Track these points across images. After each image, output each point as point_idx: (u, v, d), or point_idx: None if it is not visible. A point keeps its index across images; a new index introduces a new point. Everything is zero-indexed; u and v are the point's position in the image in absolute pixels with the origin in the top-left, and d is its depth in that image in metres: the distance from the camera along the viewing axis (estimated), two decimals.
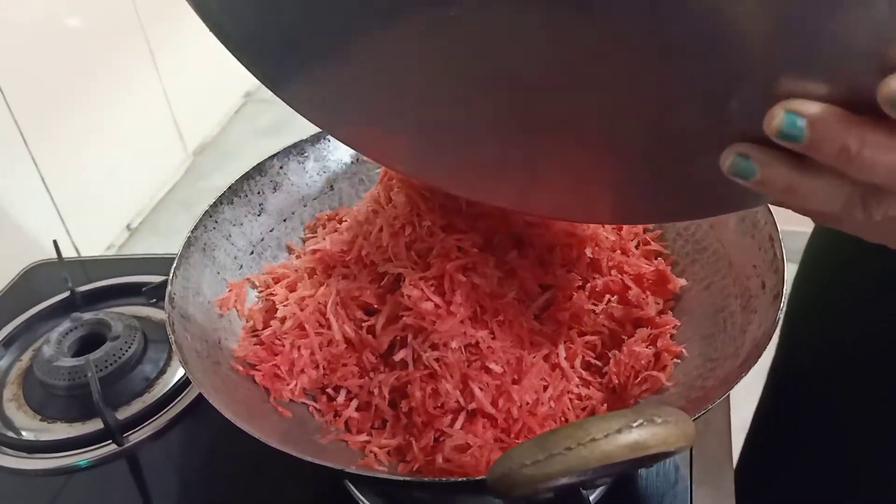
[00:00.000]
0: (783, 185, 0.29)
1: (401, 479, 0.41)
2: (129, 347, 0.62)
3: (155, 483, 0.57)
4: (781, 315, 0.44)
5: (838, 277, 0.67)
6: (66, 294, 0.71)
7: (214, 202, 0.53)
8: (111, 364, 0.61)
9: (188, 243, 0.50)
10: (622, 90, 0.30)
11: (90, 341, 0.64)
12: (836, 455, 0.67)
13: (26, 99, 0.80)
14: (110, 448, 0.57)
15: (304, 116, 0.38)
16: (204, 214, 0.52)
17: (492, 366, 0.47)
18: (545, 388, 0.48)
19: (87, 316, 0.66)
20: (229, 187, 0.54)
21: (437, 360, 0.46)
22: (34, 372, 0.62)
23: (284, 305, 0.50)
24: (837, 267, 0.67)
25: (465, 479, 0.35)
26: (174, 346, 0.42)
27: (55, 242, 0.73)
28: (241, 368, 0.48)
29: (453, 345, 0.46)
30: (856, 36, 0.25)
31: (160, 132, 1.10)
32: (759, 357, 0.42)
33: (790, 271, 0.48)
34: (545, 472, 0.30)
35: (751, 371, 0.41)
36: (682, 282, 0.54)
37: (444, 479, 0.37)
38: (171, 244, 0.50)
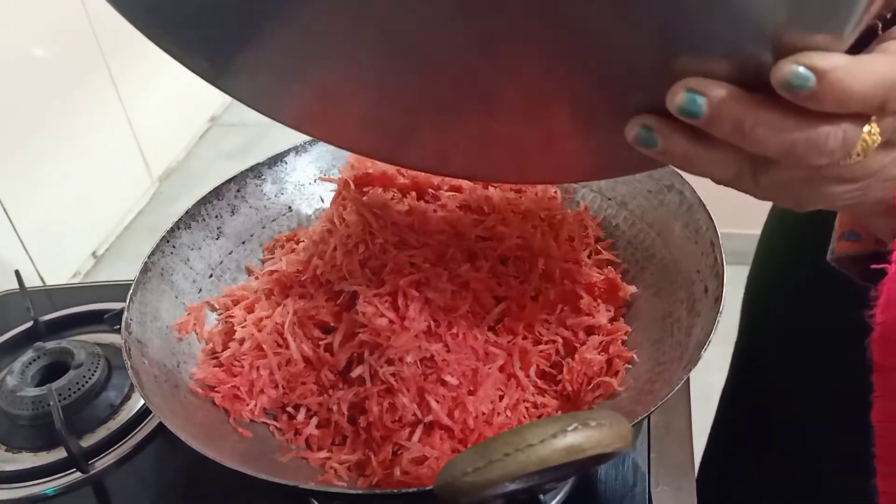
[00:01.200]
0: (681, 156, 0.31)
1: (354, 492, 0.42)
2: (93, 375, 0.63)
3: None
4: (720, 318, 0.46)
5: (794, 267, 0.68)
6: (30, 324, 0.71)
7: (171, 227, 0.54)
8: (75, 392, 0.61)
9: (145, 269, 0.51)
10: (529, 67, 0.32)
11: (54, 370, 0.64)
12: (799, 448, 0.69)
13: None
14: (76, 476, 0.57)
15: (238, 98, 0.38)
16: (161, 240, 0.53)
17: (447, 378, 0.48)
18: (501, 397, 0.50)
19: (51, 345, 0.66)
20: (186, 212, 0.55)
21: (393, 374, 0.47)
22: None
23: (242, 327, 0.51)
24: (793, 256, 0.68)
25: (414, 489, 0.36)
26: (130, 373, 0.43)
27: (17, 273, 0.73)
28: (200, 391, 0.48)
29: (408, 359, 0.47)
30: (750, 21, 0.26)
31: (125, 158, 1.10)
32: (698, 358, 0.44)
33: (732, 273, 0.50)
34: (486, 478, 0.31)
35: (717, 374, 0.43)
36: (633, 289, 0.56)
37: (395, 490, 0.38)
38: (137, 270, 0.51)
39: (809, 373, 0.65)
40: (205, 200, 0.57)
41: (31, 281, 0.88)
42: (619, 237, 0.60)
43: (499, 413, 0.49)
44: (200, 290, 0.55)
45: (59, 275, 0.96)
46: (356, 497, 0.41)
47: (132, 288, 0.49)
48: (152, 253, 0.52)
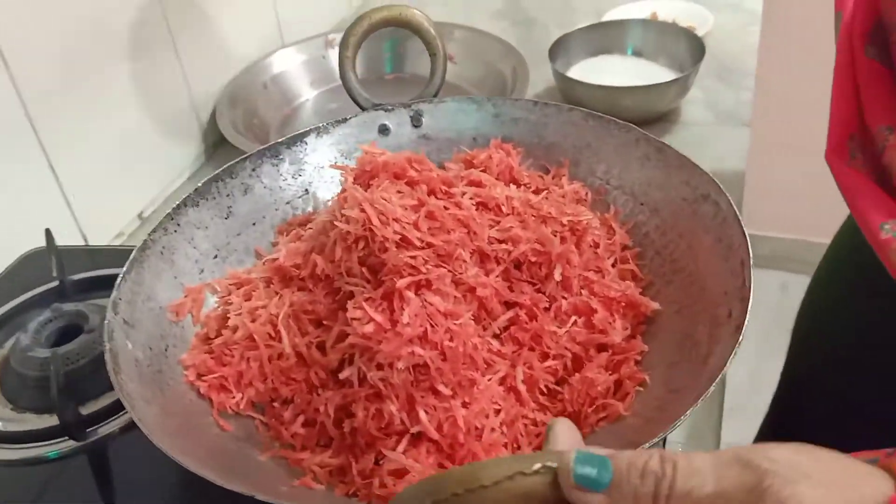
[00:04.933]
0: None
1: None
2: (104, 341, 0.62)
3: (119, 476, 0.57)
4: (738, 349, 0.42)
5: (854, 301, 0.63)
6: (57, 283, 0.72)
7: (178, 204, 0.52)
8: (83, 357, 0.61)
9: (143, 247, 0.50)
10: None
11: (69, 332, 0.64)
12: None
13: (34, 78, 0.80)
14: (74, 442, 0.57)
15: None
16: (165, 217, 0.52)
17: (440, 388, 0.45)
18: (497, 412, 0.47)
19: (68, 307, 0.66)
20: (195, 189, 0.54)
21: (382, 380, 0.45)
22: (10, 361, 0.62)
23: (237, 315, 0.49)
24: (853, 289, 0.63)
25: None
26: (107, 356, 0.42)
27: (47, 231, 0.73)
28: (187, 376, 0.47)
29: (399, 365, 0.45)
30: None
31: (178, 120, 1.10)
32: (708, 391, 0.40)
33: (761, 278, 0.45)
34: None
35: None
36: (655, 305, 0.52)
37: None
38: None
39: (864, 405, 0.61)
40: (216, 178, 0.55)
41: (73, 240, 0.89)
42: (648, 246, 0.56)
43: (493, 429, 0.46)
44: (202, 270, 0.53)
45: (102, 234, 0.97)
46: None
47: (126, 266, 0.48)
48: (154, 230, 0.50)
